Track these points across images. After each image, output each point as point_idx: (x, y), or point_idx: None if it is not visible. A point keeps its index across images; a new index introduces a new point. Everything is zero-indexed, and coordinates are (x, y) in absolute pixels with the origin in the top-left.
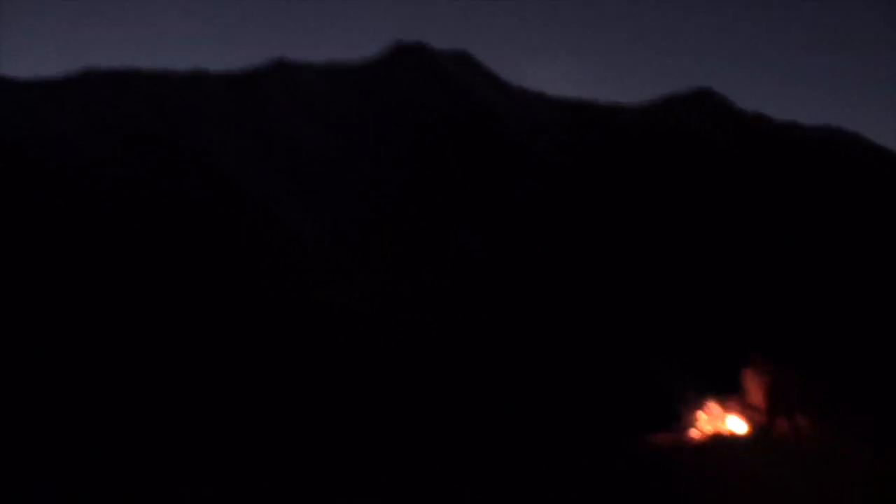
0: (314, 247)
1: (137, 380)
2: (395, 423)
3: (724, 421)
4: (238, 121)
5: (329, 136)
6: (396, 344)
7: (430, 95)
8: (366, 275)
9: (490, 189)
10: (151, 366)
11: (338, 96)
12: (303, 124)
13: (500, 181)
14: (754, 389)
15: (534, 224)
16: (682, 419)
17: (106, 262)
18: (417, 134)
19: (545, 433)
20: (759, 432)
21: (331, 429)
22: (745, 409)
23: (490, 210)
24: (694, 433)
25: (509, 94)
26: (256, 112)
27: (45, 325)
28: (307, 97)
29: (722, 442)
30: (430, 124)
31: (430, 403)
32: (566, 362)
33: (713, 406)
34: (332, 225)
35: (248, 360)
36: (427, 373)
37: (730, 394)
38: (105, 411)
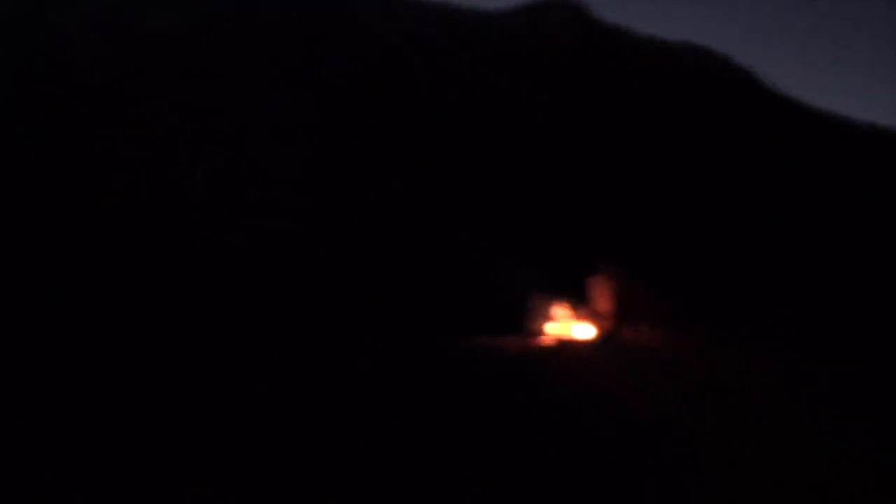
0: None
1: None
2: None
3: (571, 327)
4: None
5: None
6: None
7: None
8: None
9: (341, 91)
10: None
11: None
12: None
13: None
14: (601, 296)
15: (383, 128)
16: (529, 325)
17: None
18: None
19: (387, 334)
20: (606, 339)
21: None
22: (593, 316)
23: (340, 111)
24: (542, 339)
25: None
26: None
27: None
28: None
29: (569, 347)
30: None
31: (268, 305)
32: (413, 268)
33: (561, 312)
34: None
35: None
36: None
37: (578, 300)
38: None
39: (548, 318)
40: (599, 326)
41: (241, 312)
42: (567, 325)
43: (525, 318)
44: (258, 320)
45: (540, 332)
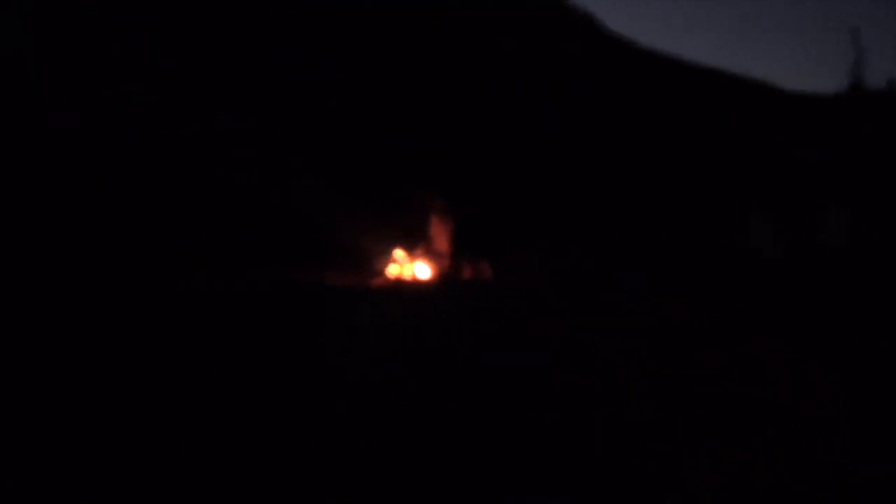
0: None
1: None
2: None
3: (410, 267)
4: None
5: None
6: None
7: None
8: None
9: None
10: None
11: None
12: None
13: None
14: (439, 236)
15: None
16: (369, 265)
17: None
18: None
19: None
20: (444, 277)
21: None
22: (431, 255)
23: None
24: (381, 278)
25: None
26: None
27: None
28: None
29: (408, 287)
30: None
31: None
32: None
33: (399, 252)
34: None
35: None
36: None
37: (416, 241)
38: None
39: (385, 258)
40: (437, 266)
41: None
42: (405, 266)
43: (367, 259)
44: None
45: (377, 273)
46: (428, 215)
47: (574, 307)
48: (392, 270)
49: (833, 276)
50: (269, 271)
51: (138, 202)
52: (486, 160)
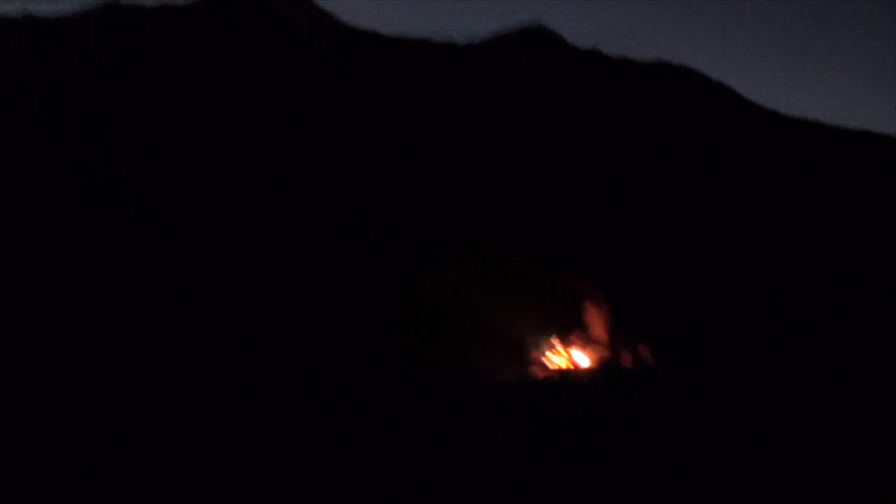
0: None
1: None
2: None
3: (568, 355)
4: (64, 60)
5: (144, 70)
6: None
7: (256, 34)
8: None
9: (302, 116)
10: None
11: (164, 35)
12: (122, 61)
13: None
14: (595, 323)
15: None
16: (528, 356)
17: None
18: (233, 67)
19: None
20: (603, 364)
21: None
22: (588, 343)
23: (297, 134)
24: (540, 369)
25: (341, 32)
26: (77, 52)
27: None
28: (133, 36)
29: (568, 376)
30: (248, 58)
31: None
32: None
33: (556, 341)
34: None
35: None
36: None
37: (573, 330)
38: None
39: (545, 348)
40: (595, 353)
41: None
42: (563, 354)
43: (525, 350)
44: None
45: (536, 363)
46: (583, 302)
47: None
48: (550, 359)
49: None
50: (429, 364)
51: (284, 300)
52: (643, 244)
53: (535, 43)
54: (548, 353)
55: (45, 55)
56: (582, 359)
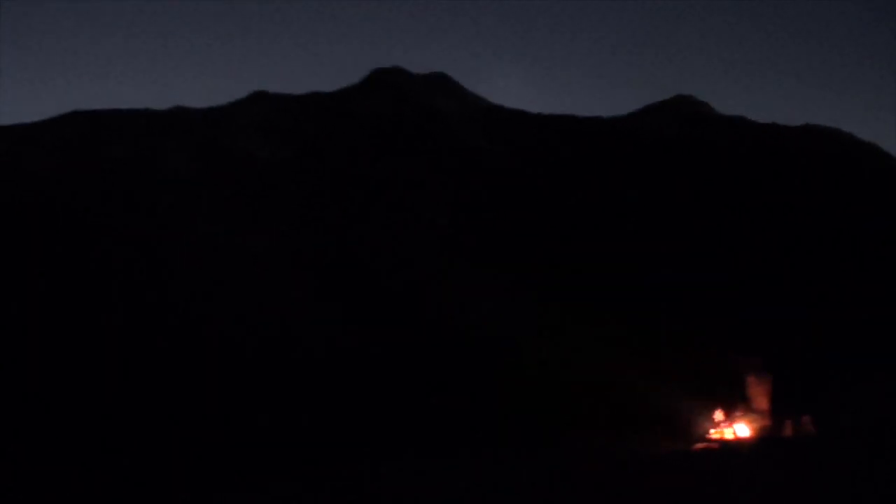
0: (268, 258)
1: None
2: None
3: (731, 428)
4: (213, 151)
5: (296, 158)
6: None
7: (400, 115)
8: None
9: (449, 196)
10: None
11: (312, 122)
12: (275, 150)
13: (461, 192)
14: (757, 395)
15: (496, 232)
16: (691, 429)
17: (89, 293)
18: (380, 150)
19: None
20: (765, 436)
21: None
22: (750, 414)
23: (445, 214)
24: (704, 442)
25: (481, 110)
26: (231, 141)
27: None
28: (282, 125)
29: (731, 448)
30: (395, 141)
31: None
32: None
33: (719, 414)
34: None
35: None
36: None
37: (734, 401)
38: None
39: (707, 421)
40: (758, 425)
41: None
42: (726, 427)
43: (688, 424)
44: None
45: (701, 436)
46: (744, 375)
47: None
48: (714, 433)
49: None
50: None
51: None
52: (805, 313)
53: (683, 112)
54: (712, 428)
55: (196, 147)
56: (744, 430)
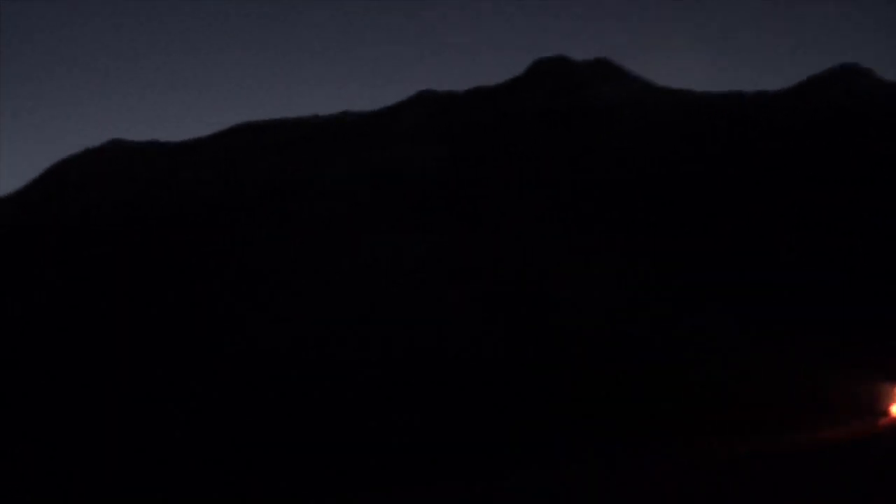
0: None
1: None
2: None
3: None
4: (377, 156)
5: (458, 159)
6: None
7: (562, 107)
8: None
9: (618, 193)
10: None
11: (477, 119)
12: (438, 151)
13: (629, 188)
14: None
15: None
16: (875, 407)
17: (252, 304)
18: (542, 147)
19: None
20: None
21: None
22: None
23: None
24: (888, 418)
25: (645, 94)
26: (394, 146)
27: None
28: (445, 125)
29: None
30: (558, 136)
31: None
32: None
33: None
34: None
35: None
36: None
37: None
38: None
39: (888, 397)
40: None
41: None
42: None
43: (872, 402)
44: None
45: (883, 413)
46: None
47: None
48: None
49: None
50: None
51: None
52: None
53: (850, 83)
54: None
55: (360, 153)
56: None
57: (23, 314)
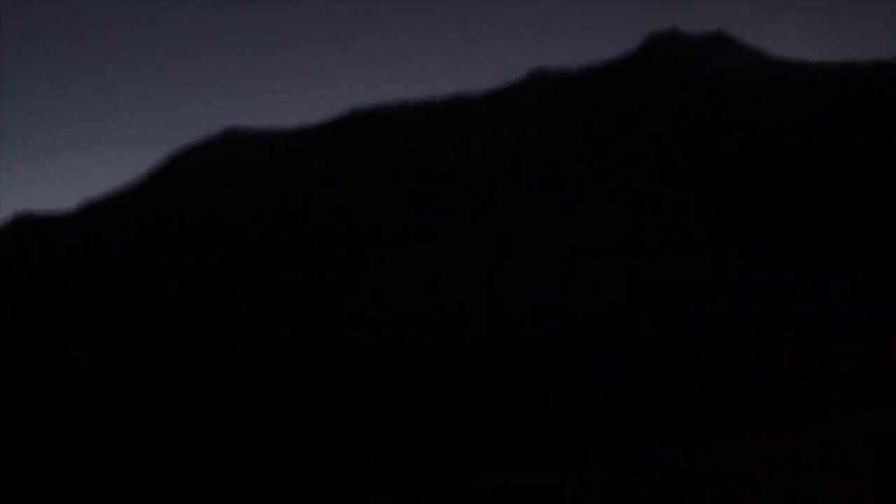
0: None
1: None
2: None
3: None
4: (492, 137)
5: (574, 138)
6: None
7: (679, 80)
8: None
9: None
10: None
11: (591, 98)
12: (552, 131)
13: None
14: None
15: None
16: None
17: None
18: (659, 120)
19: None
20: None
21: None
22: None
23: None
24: None
25: (765, 66)
26: (509, 126)
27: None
28: (558, 104)
29: None
30: (674, 109)
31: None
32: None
33: None
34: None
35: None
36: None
37: None
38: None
39: None
40: None
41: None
42: None
43: None
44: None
45: None
46: None
47: None
48: None
49: None
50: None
51: None
52: None
53: None
54: None
55: (475, 135)
56: None
57: (154, 302)
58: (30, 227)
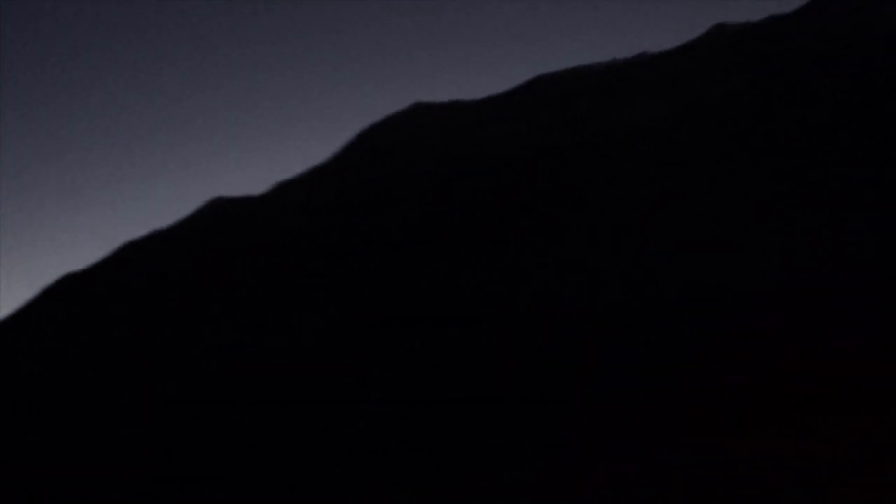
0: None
1: None
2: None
3: None
4: (675, 96)
5: (758, 93)
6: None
7: (856, 32)
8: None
9: None
10: None
11: (769, 52)
12: (736, 86)
13: None
14: None
15: None
16: None
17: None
18: (839, 80)
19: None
20: None
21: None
22: None
23: None
24: None
25: None
26: (691, 83)
27: None
28: (739, 59)
29: None
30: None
31: None
32: None
33: None
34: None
35: None
36: None
37: None
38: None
39: None
40: None
41: None
42: None
43: None
44: None
45: None
46: None
47: None
48: None
49: None
50: None
51: None
52: None
53: None
54: None
55: (658, 95)
56: None
57: (357, 284)
58: (226, 209)
